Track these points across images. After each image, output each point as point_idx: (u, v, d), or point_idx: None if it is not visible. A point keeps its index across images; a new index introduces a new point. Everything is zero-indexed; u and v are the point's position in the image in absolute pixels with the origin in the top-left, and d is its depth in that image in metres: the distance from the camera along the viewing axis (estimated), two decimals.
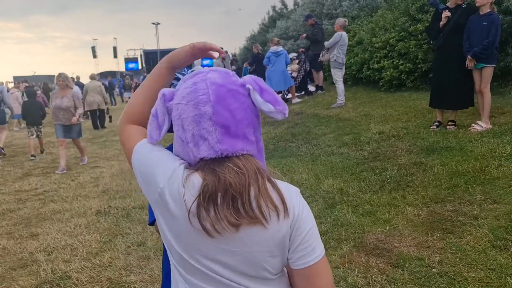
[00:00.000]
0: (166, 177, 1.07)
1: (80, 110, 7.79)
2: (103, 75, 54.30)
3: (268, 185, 1.06)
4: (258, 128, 1.14)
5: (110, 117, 15.30)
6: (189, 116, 1.07)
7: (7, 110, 10.44)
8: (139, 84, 16.08)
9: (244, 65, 17.84)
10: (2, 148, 9.73)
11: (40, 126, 9.36)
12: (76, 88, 10.16)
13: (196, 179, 1.05)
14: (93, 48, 57.50)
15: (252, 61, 13.98)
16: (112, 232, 4.49)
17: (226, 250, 1.06)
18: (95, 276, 3.54)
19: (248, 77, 1.13)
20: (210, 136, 1.05)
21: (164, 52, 54.67)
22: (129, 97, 24.95)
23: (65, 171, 7.65)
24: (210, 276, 1.08)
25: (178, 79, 1.86)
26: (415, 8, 9.24)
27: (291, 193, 1.10)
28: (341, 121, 7.64)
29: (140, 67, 59.09)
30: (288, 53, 11.95)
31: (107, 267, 3.68)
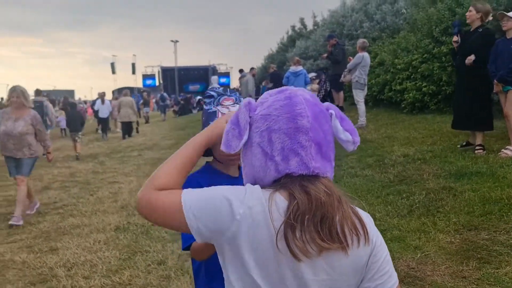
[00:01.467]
0: (243, 203, 0.99)
1: (49, 142, 5.96)
2: (121, 91, 55.19)
3: (350, 210, 1.02)
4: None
5: (137, 128, 16.79)
6: (282, 128, 1.02)
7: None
8: (157, 100, 17.01)
9: (262, 84, 17.93)
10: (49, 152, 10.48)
11: (80, 133, 11.15)
12: (48, 107, 10.59)
13: (278, 198, 1.00)
14: (112, 64, 58.68)
15: (271, 79, 14.04)
16: (131, 249, 4.41)
17: (307, 278, 0.98)
18: None
19: (328, 104, 1.12)
20: (304, 151, 1.01)
21: (182, 70, 55.29)
22: (147, 112, 25.07)
23: (21, 223, 5.40)
24: None
25: (210, 96, 1.81)
26: (439, 30, 9.15)
27: (368, 219, 1.07)
28: (363, 143, 7.52)
29: (157, 83, 60.14)
30: (308, 73, 11.93)
31: (127, 286, 3.60)
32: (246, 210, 0.97)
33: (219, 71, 57.11)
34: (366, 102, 10.03)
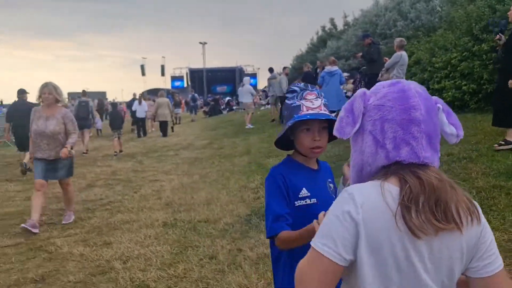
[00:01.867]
0: (357, 205, 1.04)
1: (73, 138, 5.38)
2: (151, 92, 56.19)
3: (462, 193, 1.08)
4: None
5: (172, 127, 17.98)
6: (395, 119, 1.08)
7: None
8: (188, 101, 18.03)
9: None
10: (86, 152, 12.19)
11: (121, 130, 12.51)
12: (93, 107, 12.09)
13: (388, 185, 1.06)
14: (142, 67, 59.79)
15: (303, 78, 14.04)
16: (182, 244, 4.54)
17: (426, 255, 1.04)
18: (172, 286, 3.57)
19: (436, 98, 1.18)
20: (415, 142, 1.08)
21: (209, 71, 55.74)
22: (177, 113, 25.48)
23: (37, 230, 5.07)
24: (410, 278, 1.05)
25: (293, 91, 1.88)
26: (479, 28, 8.99)
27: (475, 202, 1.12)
28: None
29: (185, 85, 60.85)
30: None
31: (183, 278, 3.71)
32: (359, 210, 1.03)
33: (246, 72, 57.39)
34: None
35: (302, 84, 1.90)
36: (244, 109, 16.84)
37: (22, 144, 8.88)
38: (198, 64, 60.58)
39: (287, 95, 1.89)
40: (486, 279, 1.09)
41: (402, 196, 1.02)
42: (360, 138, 1.15)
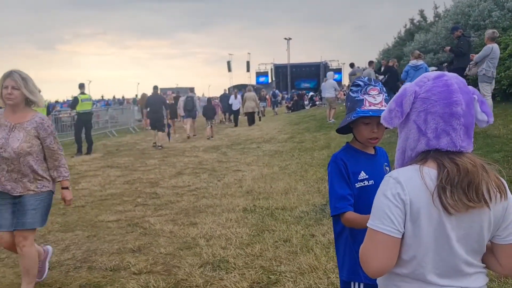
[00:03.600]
0: (403, 190, 1.26)
1: (63, 167, 3.41)
2: (237, 87, 57.76)
3: (493, 173, 1.28)
4: None
5: (260, 117, 21.22)
6: (438, 112, 1.28)
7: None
8: (269, 97, 19.67)
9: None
10: (194, 135, 15.64)
11: (213, 120, 15.77)
12: (197, 101, 15.47)
13: (427, 169, 1.26)
14: (228, 63, 61.68)
15: (384, 72, 13.77)
16: (259, 228, 4.90)
17: (458, 226, 1.25)
18: (249, 263, 3.94)
19: (473, 88, 1.35)
20: (454, 133, 1.27)
21: (294, 66, 55.68)
22: (264, 107, 26.91)
23: None
24: (444, 245, 1.27)
25: (357, 85, 2.09)
26: None
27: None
28: (489, 138, 7.18)
29: (270, 80, 61.69)
30: (428, 67, 11.52)
31: (259, 257, 4.06)
32: (406, 191, 1.25)
33: (330, 67, 56.76)
34: (493, 97, 9.44)
35: (366, 78, 2.10)
36: (325, 104, 16.91)
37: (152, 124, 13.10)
38: (283, 60, 61.10)
39: (352, 88, 2.11)
40: (508, 246, 1.29)
41: (440, 178, 1.23)
42: (406, 125, 1.35)
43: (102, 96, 52.31)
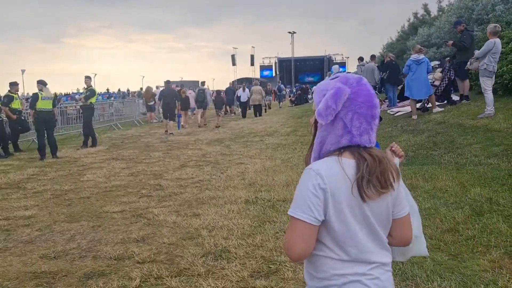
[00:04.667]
0: (322, 180, 1.40)
1: None
2: (240, 81, 57.73)
3: (392, 162, 1.52)
4: None
5: (265, 110, 22.71)
6: (363, 113, 1.45)
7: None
8: (274, 91, 20.18)
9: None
10: (204, 124, 17.05)
11: (221, 110, 18.70)
12: (208, 93, 16.72)
13: (345, 160, 1.43)
14: (232, 57, 61.68)
15: (384, 68, 13.78)
16: (261, 219, 5.00)
17: (374, 209, 1.45)
18: (250, 253, 4.04)
19: None
20: (372, 132, 1.48)
21: (298, 60, 55.74)
22: (269, 100, 27.66)
23: None
24: (366, 226, 1.46)
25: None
26: None
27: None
28: (489, 132, 7.24)
29: (274, 74, 61.70)
30: (430, 61, 11.55)
31: (260, 247, 4.16)
32: (326, 181, 1.39)
33: (334, 61, 56.67)
34: (495, 91, 9.48)
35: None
36: None
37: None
38: (287, 54, 61.03)
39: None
40: (400, 220, 1.53)
41: (361, 169, 1.40)
42: (331, 121, 1.47)
43: (108, 89, 52.43)
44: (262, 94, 20.69)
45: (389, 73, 12.89)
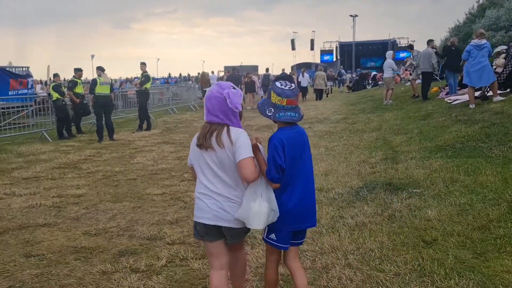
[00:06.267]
0: (194, 141, 2.58)
1: None
2: (300, 66, 57.24)
3: (224, 129, 2.45)
4: (227, 115, 2.47)
5: (327, 94, 24.47)
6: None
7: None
8: (336, 76, 20.08)
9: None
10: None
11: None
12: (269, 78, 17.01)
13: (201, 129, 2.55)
14: (292, 41, 61.17)
15: (443, 53, 13.07)
16: None
17: (212, 158, 2.47)
18: None
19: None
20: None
21: (359, 44, 54.08)
22: (331, 85, 28.62)
23: None
24: (209, 171, 2.50)
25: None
26: None
27: (234, 132, 2.44)
28: None
29: (334, 59, 60.47)
30: (496, 46, 10.84)
31: None
32: (191, 143, 2.59)
33: (399, 46, 54.47)
34: None
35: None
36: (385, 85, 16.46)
37: None
38: (348, 38, 59.50)
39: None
40: (239, 162, 2.39)
41: (200, 133, 2.51)
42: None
43: (169, 74, 54.06)
44: (324, 80, 22.28)
45: (447, 59, 12.25)
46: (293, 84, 2.58)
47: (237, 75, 20.02)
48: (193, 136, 2.58)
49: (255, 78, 22.24)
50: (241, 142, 2.36)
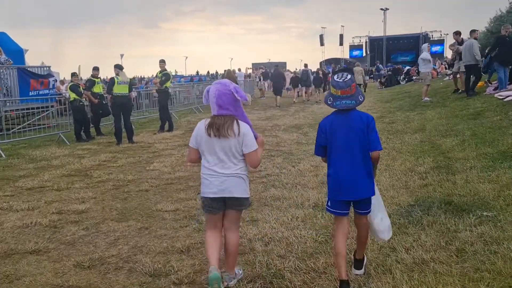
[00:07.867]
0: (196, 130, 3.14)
1: None
2: (329, 62, 55.80)
3: (234, 122, 2.99)
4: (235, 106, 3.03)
5: (364, 89, 23.35)
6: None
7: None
8: (374, 71, 19.29)
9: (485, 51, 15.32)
10: (308, 99, 20.24)
11: (320, 88, 22.07)
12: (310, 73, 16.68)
13: (205, 120, 3.09)
14: (321, 36, 59.76)
15: (494, 44, 11.72)
16: (328, 232, 4.13)
17: (220, 144, 3.00)
18: (308, 282, 3.21)
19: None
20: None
21: (390, 39, 52.94)
22: (366, 80, 27.93)
23: None
24: (215, 155, 3.05)
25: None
26: None
27: (243, 126, 3.01)
28: None
29: (364, 54, 58.69)
30: None
31: (321, 274, 3.32)
32: (197, 131, 3.10)
33: (431, 39, 52.38)
34: None
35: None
36: (422, 80, 15.25)
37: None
38: (378, 32, 57.68)
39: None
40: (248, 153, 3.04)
41: (208, 123, 3.01)
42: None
43: (197, 72, 53.55)
44: (362, 75, 22.57)
45: (499, 50, 10.96)
46: (348, 75, 2.94)
47: (280, 72, 21.86)
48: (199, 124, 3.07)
49: (287, 74, 24.24)
50: (248, 136, 3.00)
